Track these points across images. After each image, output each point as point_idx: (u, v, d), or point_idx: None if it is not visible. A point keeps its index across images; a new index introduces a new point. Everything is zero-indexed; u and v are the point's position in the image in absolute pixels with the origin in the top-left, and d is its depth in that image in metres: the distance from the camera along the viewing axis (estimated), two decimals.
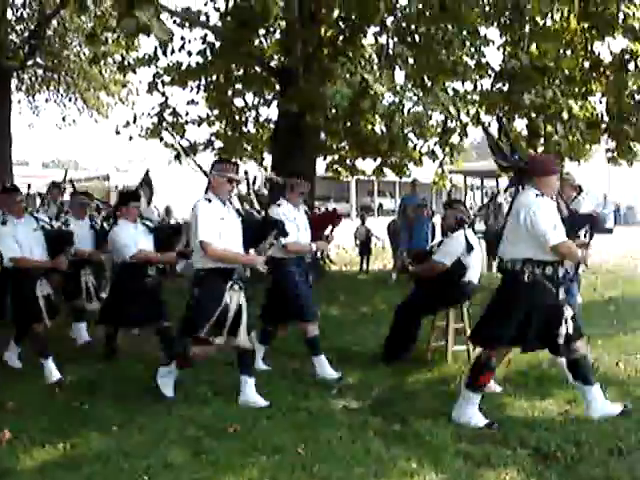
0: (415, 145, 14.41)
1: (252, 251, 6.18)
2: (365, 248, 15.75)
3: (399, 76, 11.51)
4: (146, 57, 13.97)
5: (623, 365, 7.16)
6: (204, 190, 6.03)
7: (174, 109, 14.56)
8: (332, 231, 7.49)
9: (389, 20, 11.42)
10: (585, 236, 5.89)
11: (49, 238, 7.14)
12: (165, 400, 5.95)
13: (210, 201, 5.77)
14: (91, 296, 8.37)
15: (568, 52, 11.80)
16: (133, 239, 7.32)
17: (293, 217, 6.87)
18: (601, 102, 12.62)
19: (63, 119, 21.98)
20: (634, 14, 10.89)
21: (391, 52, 10.22)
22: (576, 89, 11.90)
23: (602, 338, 8.41)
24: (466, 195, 28.40)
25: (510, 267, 5.41)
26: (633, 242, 22.36)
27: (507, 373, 6.93)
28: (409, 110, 11.23)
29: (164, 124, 14.51)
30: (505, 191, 6.57)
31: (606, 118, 12.39)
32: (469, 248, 7.16)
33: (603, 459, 4.70)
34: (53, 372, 6.71)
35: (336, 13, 12.59)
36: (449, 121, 12.96)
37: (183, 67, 13.83)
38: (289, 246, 6.67)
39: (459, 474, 4.48)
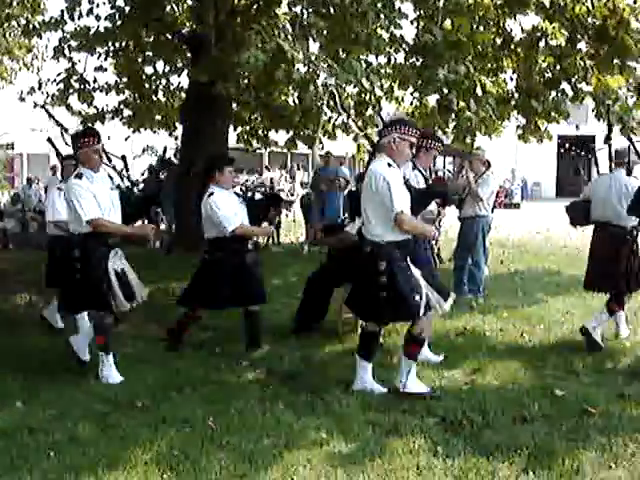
0: (330, 118, 14.40)
1: None
2: (274, 221, 15.63)
3: (313, 47, 11.45)
4: (52, 21, 13.46)
5: (527, 335, 7.37)
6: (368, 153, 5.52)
7: (81, 75, 14.10)
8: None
9: None
10: None
11: (130, 201, 6.11)
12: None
13: (392, 167, 5.25)
14: None
15: (481, 28, 11.95)
16: (233, 211, 6.52)
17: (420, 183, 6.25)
18: (512, 79, 12.85)
19: None
20: None
21: (305, 22, 10.12)
22: (488, 65, 12.08)
23: (508, 309, 8.64)
24: None
25: None
26: (539, 217, 23.03)
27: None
28: (324, 82, 11.19)
29: (71, 91, 14.05)
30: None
31: (516, 95, 12.64)
32: None
33: (507, 426, 4.85)
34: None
35: None
36: (363, 94, 12.98)
37: (91, 32, 13.38)
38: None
39: (368, 443, 4.53)
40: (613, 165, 7.16)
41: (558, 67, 11.71)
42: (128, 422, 4.83)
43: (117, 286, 5.71)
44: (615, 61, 11.38)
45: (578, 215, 7.44)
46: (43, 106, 7.72)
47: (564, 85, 11.96)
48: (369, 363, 5.60)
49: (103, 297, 5.67)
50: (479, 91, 9.74)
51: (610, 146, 7.23)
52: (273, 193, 7.54)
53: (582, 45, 11.70)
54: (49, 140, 7.62)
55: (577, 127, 15.64)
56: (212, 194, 6.49)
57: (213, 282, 6.50)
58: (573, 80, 11.77)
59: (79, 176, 5.67)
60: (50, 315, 7.56)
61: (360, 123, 14.08)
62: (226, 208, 6.44)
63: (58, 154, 7.47)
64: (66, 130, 7.34)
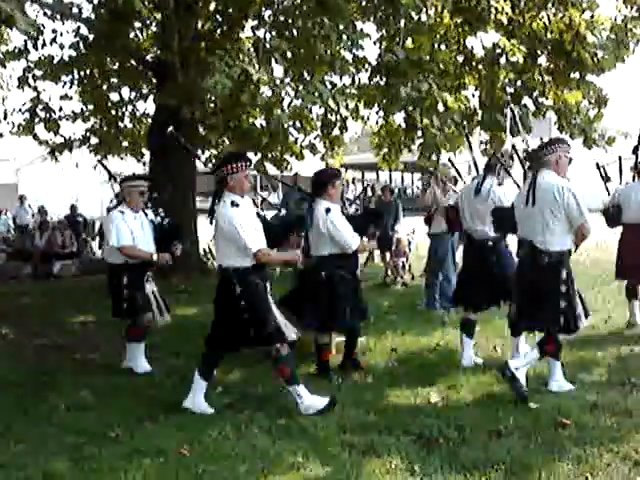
0: (296, 139, 14.46)
1: None
2: None
3: (278, 70, 11.54)
4: (16, 51, 13.42)
5: (500, 349, 7.40)
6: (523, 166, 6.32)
7: (47, 104, 14.03)
8: None
9: (267, 13, 11.40)
10: None
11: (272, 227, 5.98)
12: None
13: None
14: (161, 309, 6.96)
15: (442, 46, 12.10)
16: (350, 226, 6.43)
17: None
18: (474, 95, 13.01)
19: None
20: (503, 9, 11.26)
21: (269, 45, 10.19)
22: (450, 83, 12.22)
23: (480, 323, 8.64)
24: (347, 187, 28.74)
25: None
26: None
27: (389, 361, 7.06)
28: (289, 104, 11.24)
29: (37, 120, 13.98)
30: None
31: (480, 111, 12.78)
32: None
33: (484, 442, 4.84)
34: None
35: (213, 6, 12.44)
36: (329, 115, 13.06)
37: (55, 61, 13.34)
38: None
39: (344, 465, 4.50)
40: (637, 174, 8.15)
41: (519, 82, 11.88)
42: (102, 454, 4.76)
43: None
44: (572, 75, 11.58)
45: (614, 218, 8.14)
46: (100, 161, 7.65)
47: (526, 100, 12.13)
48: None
49: (275, 330, 5.43)
50: (441, 107, 9.85)
51: (637, 156, 8.06)
52: (372, 209, 7.41)
53: (542, 60, 11.89)
54: (100, 162, 7.45)
55: (541, 140, 15.79)
56: (329, 210, 6.32)
57: (337, 300, 6.40)
58: (534, 95, 11.95)
59: (235, 204, 5.43)
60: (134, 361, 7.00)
61: (327, 143, 14.18)
62: (346, 225, 6.37)
63: (112, 176, 7.38)
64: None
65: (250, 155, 15.39)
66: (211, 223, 5.56)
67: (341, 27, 10.28)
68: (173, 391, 6.18)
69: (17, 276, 14.60)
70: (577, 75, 11.91)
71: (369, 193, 17.88)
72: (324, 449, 4.76)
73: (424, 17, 11.63)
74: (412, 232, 13.30)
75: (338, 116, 12.72)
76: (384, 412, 5.52)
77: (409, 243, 12.80)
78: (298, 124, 13.20)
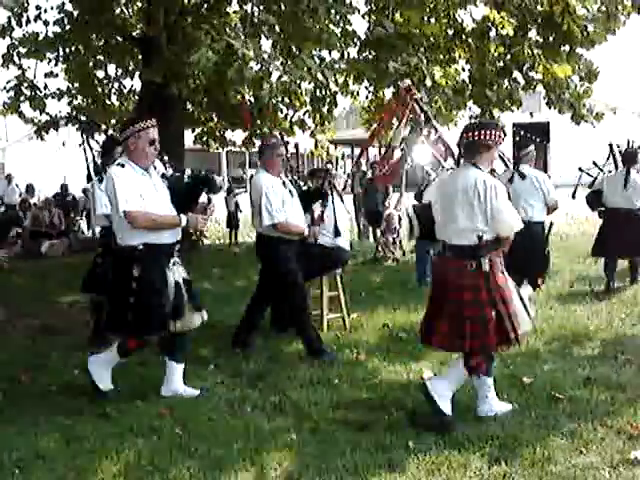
0: (286, 115, 14.36)
1: None
2: (233, 220, 15.58)
3: (265, 45, 11.41)
4: (0, 28, 13.22)
5: None
6: None
7: (32, 82, 13.83)
8: None
9: None
10: None
11: None
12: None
13: None
14: None
15: (432, 20, 11.99)
16: None
17: None
18: (464, 69, 12.92)
19: None
20: None
21: (256, 20, 10.05)
22: (440, 56, 12.13)
23: None
24: (337, 164, 28.66)
25: None
26: None
27: (381, 338, 7.04)
28: (278, 78, 11.14)
29: (22, 98, 13.78)
30: None
31: (470, 85, 12.71)
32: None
33: (477, 417, 4.84)
34: None
35: None
36: (318, 90, 12.95)
37: (40, 38, 13.15)
38: None
39: (338, 441, 4.49)
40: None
41: (509, 56, 11.81)
42: (94, 433, 4.72)
43: None
44: (562, 49, 11.51)
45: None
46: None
47: (516, 74, 12.07)
48: None
49: None
50: (429, 82, 9.78)
51: None
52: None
53: (532, 34, 11.81)
54: None
55: (531, 115, 15.78)
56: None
57: None
58: (524, 69, 11.89)
59: None
60: None
61: (317, 118, 14.09)
62: None
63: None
64: None
65: (239, 131, 15.38)
66: None
67: (329, 1, 10.15)
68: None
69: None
70: (567, 48, 11.82)
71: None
72: (318, 426, 4.75)
73: None
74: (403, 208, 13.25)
75: (328, 91, 12.63)
76: (377, 388, 5.51)
77: (399, 219, 12.74)
78: (287, 100, 13.12)
